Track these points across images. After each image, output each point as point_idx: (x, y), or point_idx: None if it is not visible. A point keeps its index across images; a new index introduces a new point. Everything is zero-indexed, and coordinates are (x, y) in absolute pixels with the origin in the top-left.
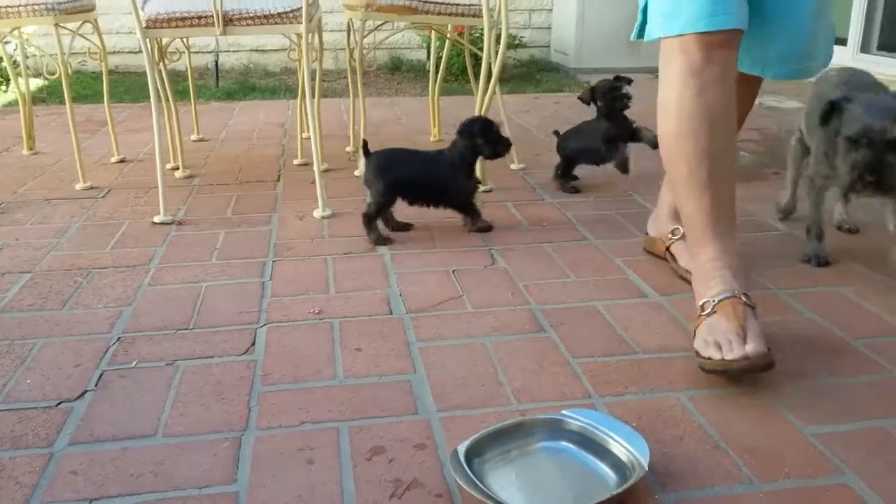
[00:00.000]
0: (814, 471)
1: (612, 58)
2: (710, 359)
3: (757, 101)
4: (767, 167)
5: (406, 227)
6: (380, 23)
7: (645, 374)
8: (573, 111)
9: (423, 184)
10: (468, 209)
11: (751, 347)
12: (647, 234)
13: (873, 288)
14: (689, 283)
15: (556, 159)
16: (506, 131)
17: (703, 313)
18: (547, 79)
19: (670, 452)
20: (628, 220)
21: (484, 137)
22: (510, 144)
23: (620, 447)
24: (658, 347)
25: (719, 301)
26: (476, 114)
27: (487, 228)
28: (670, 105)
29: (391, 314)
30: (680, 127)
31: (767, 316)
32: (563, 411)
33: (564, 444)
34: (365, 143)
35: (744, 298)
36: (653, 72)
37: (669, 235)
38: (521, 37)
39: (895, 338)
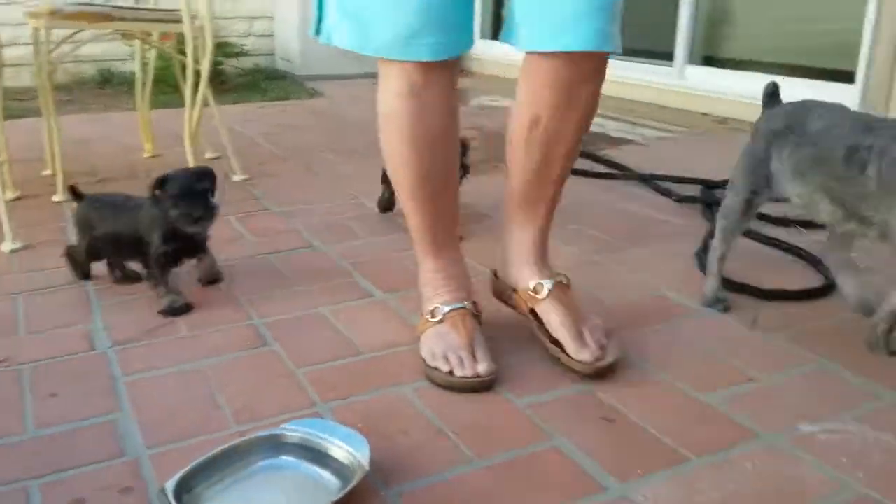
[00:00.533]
0: (528, 439)
1: (339, 64)
2: (437, 370)
3: (474, 102)
4: (487, 162)
5: (136, 277)
6: (72, 32)
7: (371, 373)
8: (300, 118)
9: (125, 242)
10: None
11: (483, 367)
12: (495, 273)
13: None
14: (559, 346)
15: (283, 168)
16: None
17: (432, 319)
18: (273, 87)
19: (395, 447)
20: (354, 223)
21: (179, 203)
22: (214, 213)
23: (341, 451)
24: (384, 345)
25: (449, 311)
26: (184, 165)
27: (174, 311)
28: (391, 125)
29: (93, 350)
30: (402, 151)
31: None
32: (283, 425)
33: (285, 458)
34: (72, 188)
35: (472, 310)
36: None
37: (531, 293)
38: (242, 45)
39: None
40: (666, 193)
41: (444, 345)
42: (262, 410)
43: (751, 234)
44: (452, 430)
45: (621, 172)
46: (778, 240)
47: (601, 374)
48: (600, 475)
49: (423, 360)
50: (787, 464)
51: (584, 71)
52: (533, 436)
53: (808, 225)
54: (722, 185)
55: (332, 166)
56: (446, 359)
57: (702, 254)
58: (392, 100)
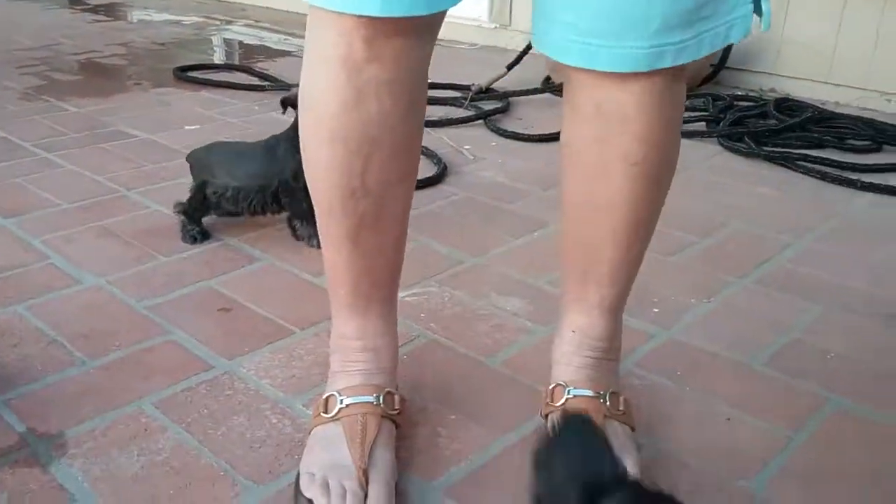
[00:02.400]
0: (143, 336)
1: None
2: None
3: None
4: (132, 79)
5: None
6: None
7: None
8: None
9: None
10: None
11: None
12: None
13: None
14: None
15: None
16: None
17: (324, 414)
18: None
19: (4, 361)
20: None
21: None
22: None
23: None
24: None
25: (348, 407)
26: None
27: None
28: (313, 112)
29: None
30: (325, 154)
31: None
32: None
33: None
34: None
35: (383, 408)
36: None
37: (548, 400)
38: None
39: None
40: None
41: (327, 462)
42: None
43: None
44: (67, 338)
45: (270, 83)
46: None
47: None
48: (210, 357)
49: (296, 480)
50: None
51: None
52: (149, 333)
53: None
54: None
55: None
56: (326, 487)
57: None
58: (318, 73)
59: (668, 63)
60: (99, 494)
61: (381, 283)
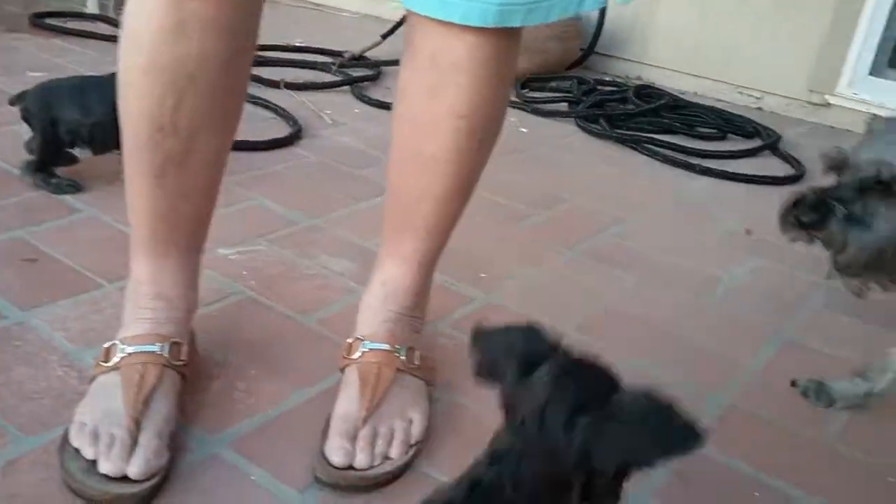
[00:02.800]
0: None
1: None
2: (76, 453)
3: None
4: None
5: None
6: None
7: None
8: None
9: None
10: None
11: (135, 467)
12: None
13: None
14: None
15: None
16: None
17: (104, 363)
18: None
19: None
20: None
21: None
22: None
23: None
24: None
25: (129, 356)
26: None
27: None
28: (140, 38)
29: None
30: (139, 81)
31: None
32: None
33: None
34: None
35: (167, 358)
36: None
37: (344, 354)
38: None
39: None
40: None
41: (100, 411)
42: None
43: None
44: None
45: None
46: (264, 99)
47: (345, 486)
48: (4, 307)
49: (66, 430)
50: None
51: None
52: None
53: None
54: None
55: None
56: (95, 437)
57: None
58: (147, 6)
59: (516, 23)
60: None
61: (182, 230)
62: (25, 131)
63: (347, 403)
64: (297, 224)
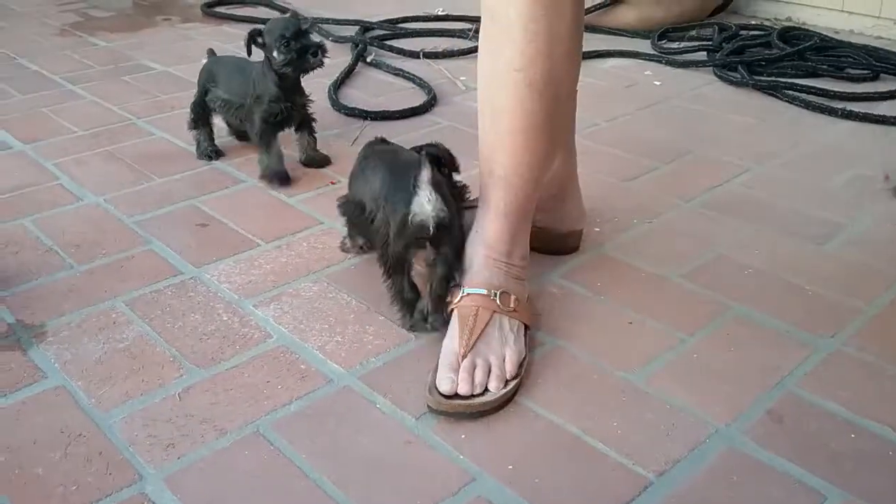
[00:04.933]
0: (127, 246)
1: None
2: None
3: None
4: (162, 14)
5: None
6: None
7: None
8: None
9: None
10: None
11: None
12: None
13: None
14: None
15: None
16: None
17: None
18: None
19: (4, 265)
20: (6, 83)
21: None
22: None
23: None
24: (11, 188)
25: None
26: None
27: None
28: None
29: None
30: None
31: None
32: None
33: None
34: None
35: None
36: None
37: (449, 299)
38: None
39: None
40: (325, 35)
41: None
42: None
43: (381, 66)
44: (61, 247)
45: None
46: (404, 70)
47: (453, 413)
48: (180, 264)
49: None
50: (336, 238)
51: None
52: (133, 243)
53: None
54: (378, 25)
55: None
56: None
57: (333, 88)
58: None
59: None
60: (66, 373)
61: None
62: None
63: (451, 341)
64: None
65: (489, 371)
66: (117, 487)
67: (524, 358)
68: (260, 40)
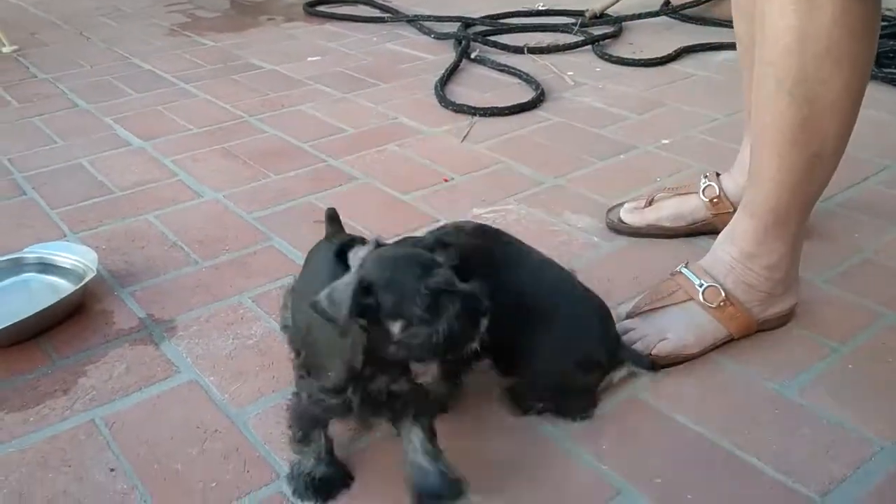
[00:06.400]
0: (250, 242)
1: None
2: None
3: None
4: (266, 14)
5: None
6: None
7: (118, 207)
8: None
9: None
10: None
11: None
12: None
13: None
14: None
15: (55, 35)
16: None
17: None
18: None
19: (132, 260)
20: (122, 81)
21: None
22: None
23: (75, 262)
24: (133, 184)
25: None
26: None
27: None
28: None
29: None
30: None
31: None
32: (24, 249)
33: (28, 274)
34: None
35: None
36: None
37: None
38: None
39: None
40: (426, 32)
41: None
42: (8, 247)
43: (486, 63)
44: (186, 242)
45: (389, 15)
46: (509, 66)
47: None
48: (302, 260)
49: None
50: None
51: None
52: (254, 240)
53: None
54: (480, 21)
55: (106, 30)
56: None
57: (439, 84)
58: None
59: None
60: (198, 368)
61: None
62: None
63: (639, 299)
64: (542, 184)
65: (639, 339)
66: (256, 486)
67: (685, 356)
68: (372, 300)
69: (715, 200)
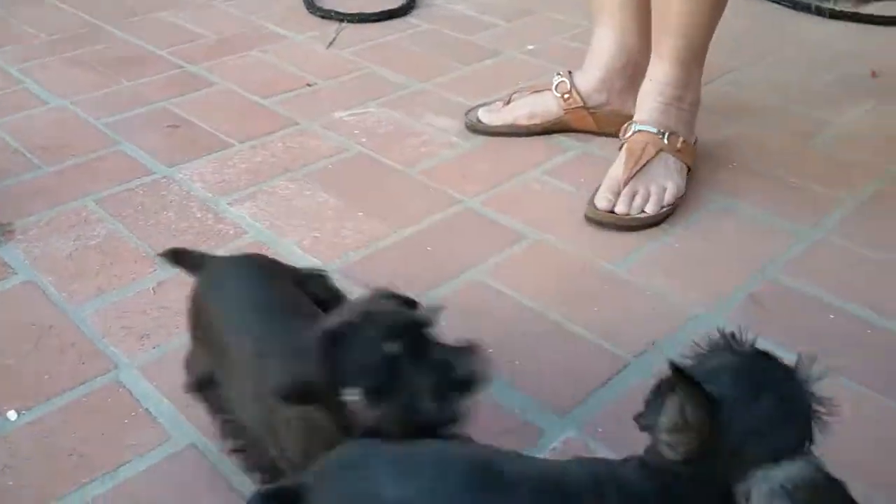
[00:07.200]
0: (97, 147)
1: None
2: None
3: None
4: None
5: None
6: None
7: None
8: None
9: None
10: None
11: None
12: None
13: None
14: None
15: None
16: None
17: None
18: None
19: None
20: None
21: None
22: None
23: None
24: None
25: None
26: None
27: None
28: None
29: None
30: None
31: None
32: None
33: None
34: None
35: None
36: None
37: (621, 134)
38: None
39: None
40: None
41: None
42: None
43: None
44: (28, 149)
45: None
46: None
47: (605, 223)
48: (152, 164)
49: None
50: (311, 139)
51: None
52: (102, 144)
53: None
54: None
55: None
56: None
57: None
58: None
59: None
60: (36, 269)
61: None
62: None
63: (615, 169)
64: (406, 88)
65: (647, 199)
66: (91, 376)
67: (682, 194)
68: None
69: (566, 96)
